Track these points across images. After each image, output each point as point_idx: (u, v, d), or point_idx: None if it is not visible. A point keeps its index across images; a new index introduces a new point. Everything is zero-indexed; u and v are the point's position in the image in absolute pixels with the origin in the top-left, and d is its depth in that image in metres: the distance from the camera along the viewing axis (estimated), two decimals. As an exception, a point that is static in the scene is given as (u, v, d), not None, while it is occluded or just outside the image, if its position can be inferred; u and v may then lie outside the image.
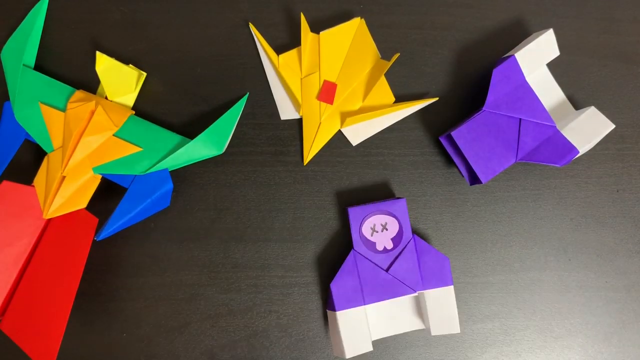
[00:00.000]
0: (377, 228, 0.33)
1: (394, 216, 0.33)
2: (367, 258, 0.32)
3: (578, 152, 0.31)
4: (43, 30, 0.35)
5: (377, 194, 0.35)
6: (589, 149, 0.33)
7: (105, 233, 0.31)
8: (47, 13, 0.36)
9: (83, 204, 0.31)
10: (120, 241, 0.34)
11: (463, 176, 0.34)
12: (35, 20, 0.35)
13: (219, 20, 0.36)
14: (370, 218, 0.33)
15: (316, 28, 0.36)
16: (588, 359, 0.34)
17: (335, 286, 0.32)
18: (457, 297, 0.34)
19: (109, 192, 0.34)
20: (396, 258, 0.32)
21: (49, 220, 0.32)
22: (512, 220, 0.35)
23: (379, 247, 0.33)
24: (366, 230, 0.33)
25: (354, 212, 0.33)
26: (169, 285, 0.34)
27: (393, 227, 0.33)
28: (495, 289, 0.35)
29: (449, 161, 0.35)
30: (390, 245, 0.33)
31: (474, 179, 0.34)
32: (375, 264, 0.32)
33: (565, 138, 0.32)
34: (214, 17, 0.36)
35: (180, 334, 0.34)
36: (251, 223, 0.34)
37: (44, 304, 0.30)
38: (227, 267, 0.34)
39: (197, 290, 0.34)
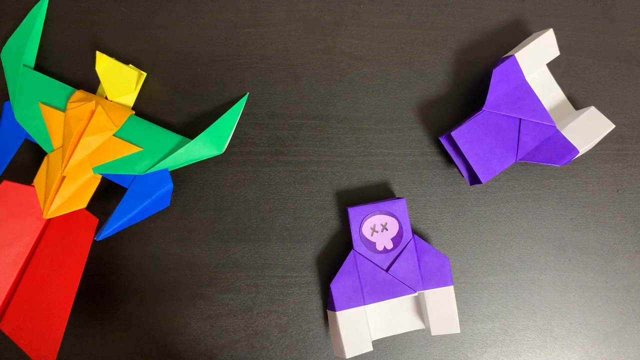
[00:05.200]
0: (377, 228, 0.33)
1: (394, 216, 0.33)
2: (367, 258, 0.32)
3: (578, 152, 0.31)
4: (43, 30, 0.35)
5: (377, 194, 0.35)
6: (589, 149, 0.33)
7: (105, 233, 0.31)
8: (47, 13, 0.36)
9: (83, 204, 0.31)
10: (120, 241, 0.34)
11: (463, 176, 0.34)
12: (35, 20, 0.35)
13: (219, 20, 0.36)
14: (370, 218, 0.33)
15: (316, 28, 0.36)
16: (588, 359, 0.34)
17: (335, 286, 0.32)
18: (457, 297, 0.34)
19: (109, 192, 0.34)
20: (396, 258, 0.32)
21: (49, 220, 0.32)
22: (512, 220, 0.35)
23: (379, 247, 0.33)
24: (366, 230, 0.33)
25: (354, 212, 0.33)
26: (169, 285, 0.34)
27: (393, 227, 0.33)
28: (495, 289, 0.35)
29: (449, 161, 0.35)
30: (390, 245, 0.33)
31: (474, 179, 0.34)
32: (375, 264, 0.32)
33: (565, 138, 0.32)
34: (214, 17, 0.36)
35: (180, 334, 0.34)
36: (251, 223, 0.34)
37: (44, 304, 0.30)
38: (227, 267, 0.34)
39: (197, 290, 0.34)
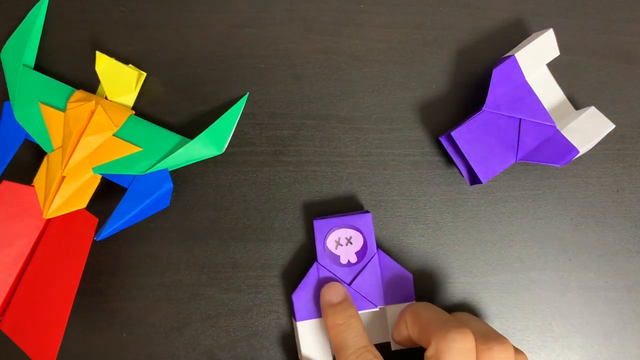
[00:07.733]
0: (342, 241, 0.33)
1: (359, 230, 0.32)
2: (330, 271, 0.32)
3: (578, 152, 0.31)
4: (43, 30, 0.35)
5: (378, 193, 0.35)
6: (589, 149, 0.33)
7: (105, 233, 0.31)
8: (47, 13, 0.36)
9: (83, 204, 0.31)
10: (120, 241, 0.34)
11: (463, 176, 0.34)
12: (35, 20, 0.35)
13: (219, 20, 0.36)
14: (336, 231, 0.33)
15: (316, 28, 0.36)
16: (588, 359, 0.34)
17: (297, 297, 0.32)
18: (456, 297, 0.34)
19: (109, 192, 0.34)
20: (359, 272, 0.32)
21: (49, 220, 0.32)
22: (512, 220, 0.35)
23: (343, 261, 0.32)
24: (331, 243, 0.33)
25: (319, 225, 0.32)
26: (169, 285, 0.34)
27: (357, 241, 0.33)
28: (495, 289, 0.35)
29: (449, 161, 0.35)
30: (354, 259, 0.32)
31: (474, 179, 0.34)
32: (339, 277, 0.32)
33: (566, 138, 0.32)
34: (214, 17, 0.36)
35: (180, 334, 0.34)
36: (251, 223, 0.34)
37: (44, 304, 0.30)
38: (227, 267, 0.34)
39: (197, 290, 0.34)
